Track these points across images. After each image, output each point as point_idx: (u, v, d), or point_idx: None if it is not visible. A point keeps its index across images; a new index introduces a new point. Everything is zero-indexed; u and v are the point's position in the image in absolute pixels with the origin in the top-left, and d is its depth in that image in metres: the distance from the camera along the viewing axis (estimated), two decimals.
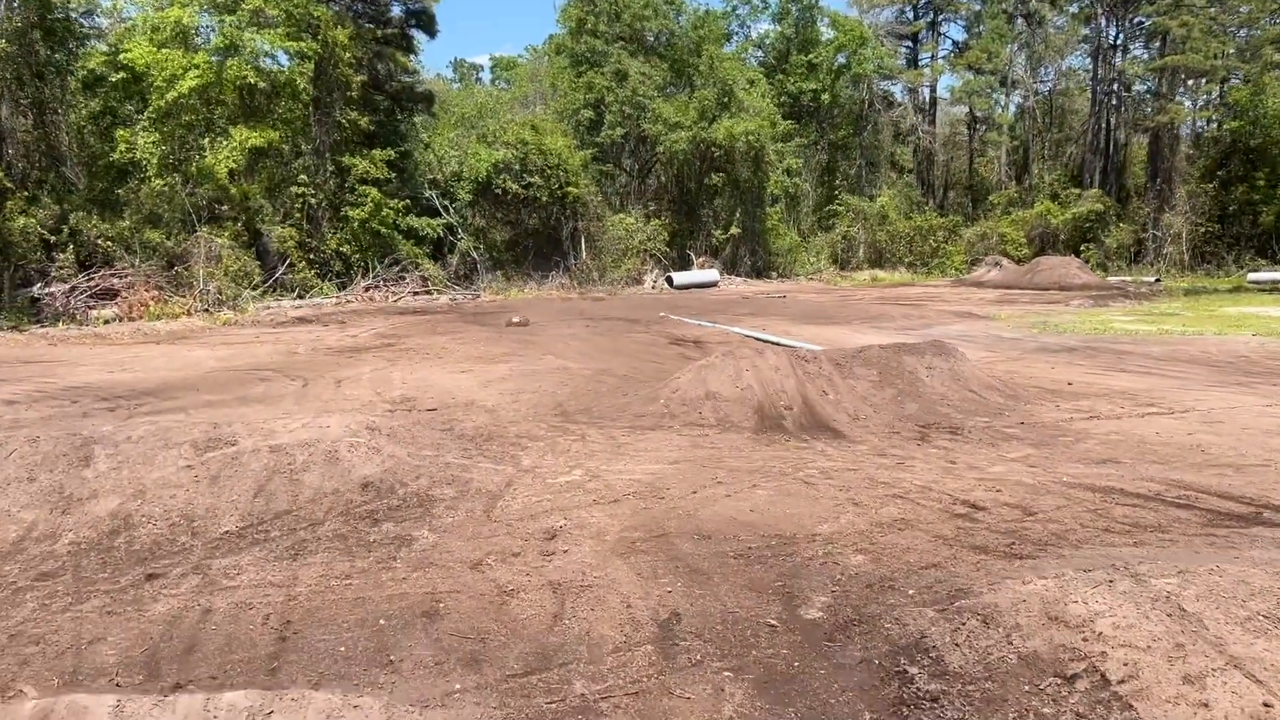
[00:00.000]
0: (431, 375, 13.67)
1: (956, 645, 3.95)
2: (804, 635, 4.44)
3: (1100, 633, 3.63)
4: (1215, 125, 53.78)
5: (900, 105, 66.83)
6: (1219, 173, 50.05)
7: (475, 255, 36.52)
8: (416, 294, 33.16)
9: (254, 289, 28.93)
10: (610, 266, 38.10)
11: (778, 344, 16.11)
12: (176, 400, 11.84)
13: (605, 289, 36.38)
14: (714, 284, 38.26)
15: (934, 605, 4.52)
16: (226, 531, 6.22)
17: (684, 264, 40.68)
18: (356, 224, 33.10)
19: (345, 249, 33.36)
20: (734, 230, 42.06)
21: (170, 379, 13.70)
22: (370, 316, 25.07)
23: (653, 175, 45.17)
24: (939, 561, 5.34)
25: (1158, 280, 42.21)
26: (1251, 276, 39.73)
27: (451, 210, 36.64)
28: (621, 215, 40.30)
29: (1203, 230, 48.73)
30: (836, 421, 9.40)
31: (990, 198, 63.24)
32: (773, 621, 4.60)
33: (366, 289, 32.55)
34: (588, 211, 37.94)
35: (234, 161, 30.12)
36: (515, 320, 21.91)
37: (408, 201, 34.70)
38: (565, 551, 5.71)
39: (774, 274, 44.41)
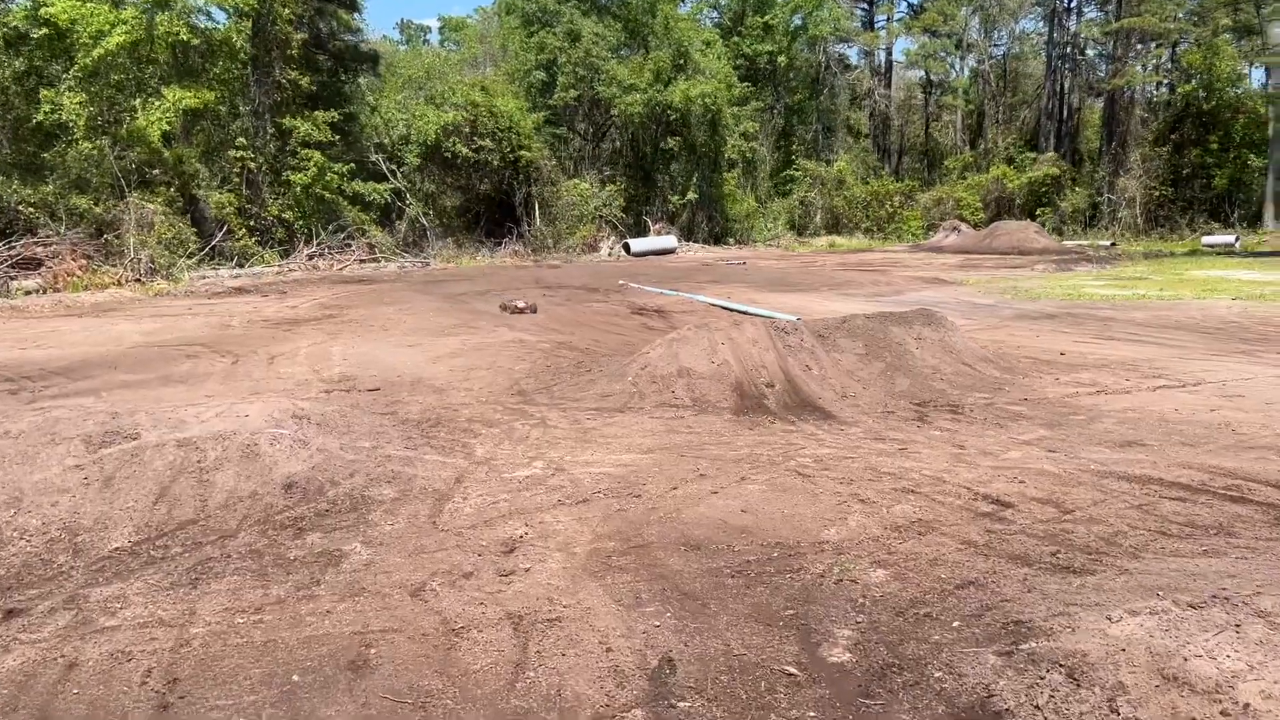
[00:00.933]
0: (375, 350, 12.56)
1: (1040, 711, 3.05)
2: (832, 689, 3.51)
3: (1247, 706, 2.75)
4: (1168, 89, 53.64)
5: (856, 69, 66.04)
6: (1172, 136, 49.92)
7: (425, 222, 35.14)
8: (363, 262, 31.76)
9: (189, 258, 27.38)
10: (565, 233, 36.91)
11: (747, 313, 15.20)
12: (90, 380, 10.63)
13: (561, 256, 35.21)
14: (672, 250, 37.24)
15: (991, 645, 3.63)
16: (117, 548, 5.16)
17: (641, 230, 39.60)
18: (299, 189, 31.58)
19: (287, 215, 31.83)
20: (691, 195, 41.00)
21: (88, 356, 12.45)
22: (313, 286, 23.74)
23: (608, 139, 43.91)
24: (977, 578, 4.45)
25: (1113, 244, 42.00)
26: (1205, 240, 39.61)
27: (399, 175, 35.17)
28: (576, 180, 39.07)
29: (1156, 194, 48.61)
30: (823, 399, 8.50)
31: (946, 162, 62.87)
32: (790, 669, 3.67)
33: (310, 257, 31.07)
34: (541, 176, 36.64)
35: (167, 123, 28.44)
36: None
37: (353, 166, 33.18)
38: (527, 570, 4.74)
39: (732, 240, 43.51)
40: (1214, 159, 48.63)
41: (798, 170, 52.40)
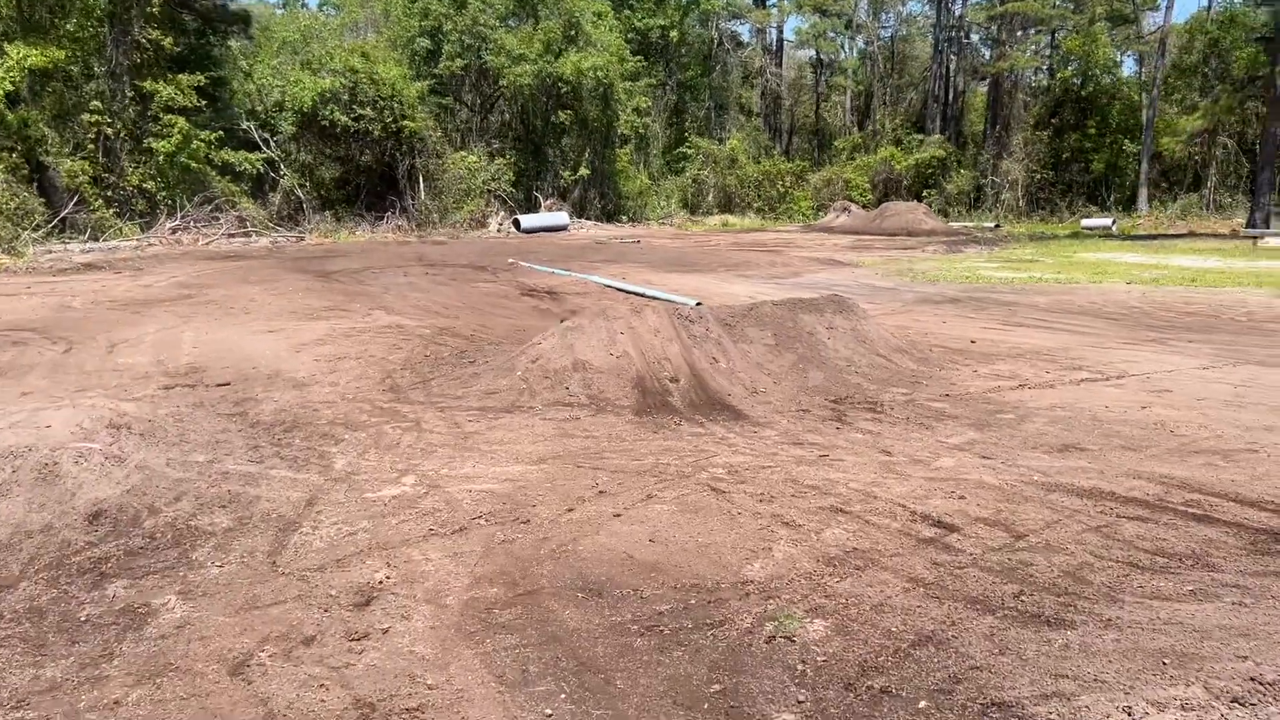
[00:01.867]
0: (233, 336, 11.28)
1: None
2: None
3: None
4: (1049, 74, 54.93)
5: (748, 46, 65.85)
6: (1053, 121, 51.15)
7: (301, 194, 33.20)
8: (232, 236, 29.78)
9: (35, 230, 25.09)
10: (452, 208, 35.47)
11: (646, 296, 14.38)
12: None
13: (446, 232, 33.78)
14: (563, 227, 36.19)
15: None
16: None
17: (531, 206, 38.39)
18: (162, 158, 29.38)
19: (149, 185, 29.60)
20: (583, 171, 39.94)
21: None
22: (174, 262, 21.92)
23: (496, 111, 42.43)
24: (934, 631, 3.70)
25: (997, 226, 42.72)
26: (1085, 223, 40.58)
27: (273, 144, 33.12)
28: (463, 153, 37.57)
29: (1038, 177, 49.76)
30: (732, 396, 7.72)
31: (835, 143, 63.31)
32: None
33: (173, 230, 28.97)
34: (426, 148, 35.04)
35: (11, 83, 25.93)
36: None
37: (222, 134, 31.03)
38: (385, 632, 3.79)
39: (625, 218, 42.66)
40: (1092, 144, 50.02)
41: (690, 148, 51.85)
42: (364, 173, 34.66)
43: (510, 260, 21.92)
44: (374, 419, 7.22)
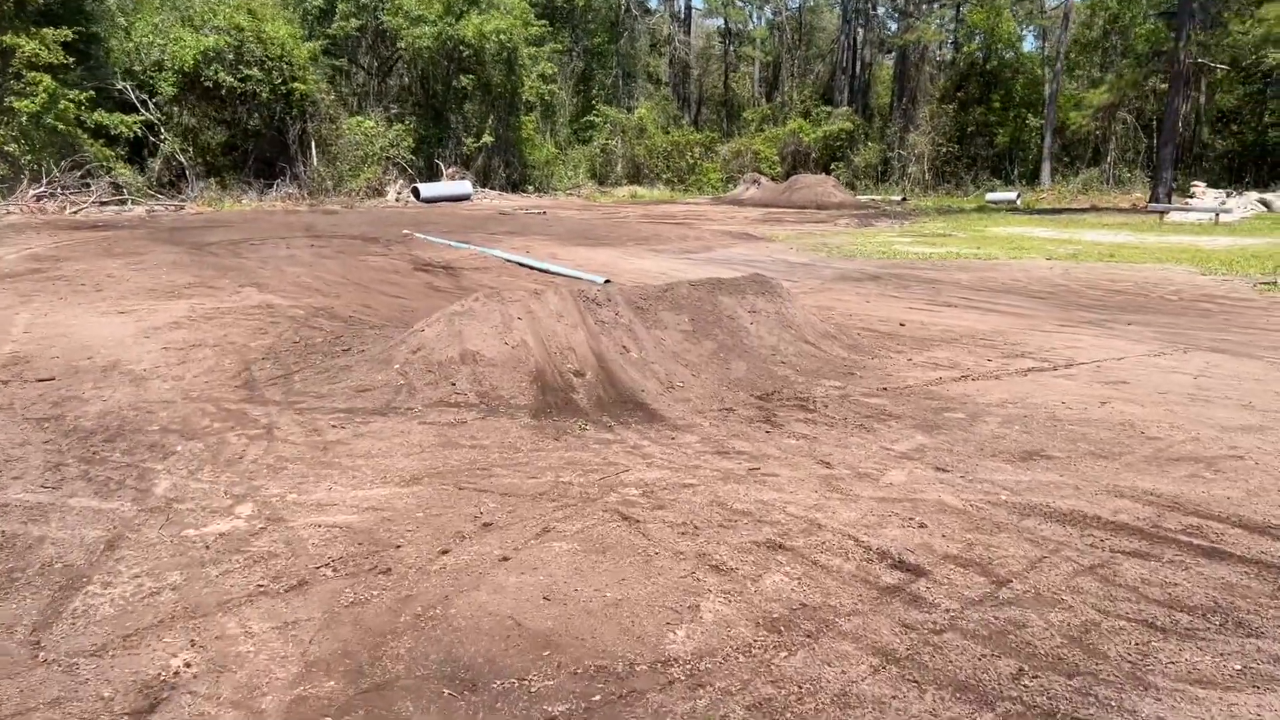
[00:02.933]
0: (76, 318, 9.84)
1: None
2: None
3: None
4: (954, 47, 55.14)
5: (656, 13, 64.66)
6: (958, 94, 51.35)
7: (183, 160, 31.00)
8: (105, 204, 27.59)
9: None
10: (347, 176, 33.66)
11: (550, 272, 13.29)
12: None
13: (341, 201, 32.00)
14: (466, 197, 34.69)
15: None
16: None
17: (432, 174, 36.74)
18: (25, 118, 26.97)
19: (11, 148, 27.19)
20: (486, 139, 38.40)
21: None
22: (33, 232, 19.91)
23: (395, 75, 40.50)
24: None
25: (904, 199, 42.66)
26: (990, 196, 40.75)
27: (152, 106, 30.79)
28: (360, 118, 35.70)
29: (944, 150, 49.92)
30: (645, 392, 6.73)
31: (744, 114, 62.73)
32: None
33: (38, 198, 26.67)
34: (319, 112, 33.11)
35: None
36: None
37: (94, 94, 28.66)
38: None
39: (530, 188, 41.27)
40: (996, 118, 50.40)
41: (598, 116, 50.60)
42: (252, 137, 32.59)
43: (405, 231, 20.53)
44: (217, 424, 6.02)
